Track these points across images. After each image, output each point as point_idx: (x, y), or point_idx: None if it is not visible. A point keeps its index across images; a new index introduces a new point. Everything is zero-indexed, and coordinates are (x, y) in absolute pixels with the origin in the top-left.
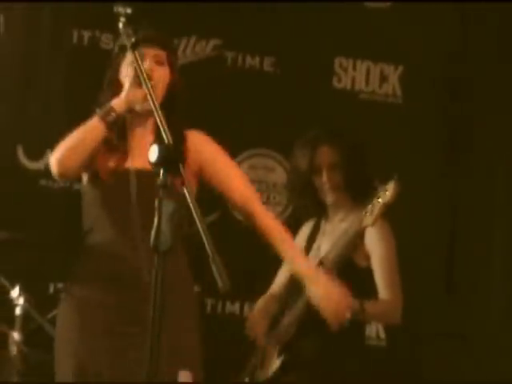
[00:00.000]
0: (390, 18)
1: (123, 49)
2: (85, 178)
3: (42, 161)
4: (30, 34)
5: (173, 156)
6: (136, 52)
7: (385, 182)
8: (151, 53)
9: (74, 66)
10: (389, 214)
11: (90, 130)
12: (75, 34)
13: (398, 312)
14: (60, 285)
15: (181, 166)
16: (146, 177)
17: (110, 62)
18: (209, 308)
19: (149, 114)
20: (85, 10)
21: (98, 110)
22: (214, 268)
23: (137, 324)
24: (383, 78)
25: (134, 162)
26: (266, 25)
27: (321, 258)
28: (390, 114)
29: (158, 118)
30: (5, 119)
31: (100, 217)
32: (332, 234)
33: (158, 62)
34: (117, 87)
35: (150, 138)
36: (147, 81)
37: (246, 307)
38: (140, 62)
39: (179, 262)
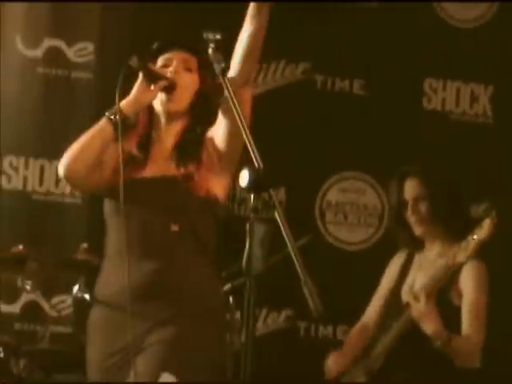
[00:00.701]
0: (480, 37)
1: (151, 60)
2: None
3: None
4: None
5: (263, 181)
6: (226, 78)
7: (476, 203)
8: (179, 57)
9: None
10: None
11: (98, 132)
12: None
13: (476, 355)
14: None
15: (271, 190)
16: (163, 184)
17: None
18: (302, 332)
19: (174, 117)
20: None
21: (106, 113)
22: (306, 291)
23: (157, 334)
24: (474, 99)
25: (153, 170)
26: (356, 47)
27: (415, 291)
28: (480, 134)
29: (247, 142)
30: None
31: (118, 229)
32: (428, 269)
33: (187, 68)
34: None
35: (172, 141)
36: (237, 105)
37: (339, 330)
38: (229, 87)
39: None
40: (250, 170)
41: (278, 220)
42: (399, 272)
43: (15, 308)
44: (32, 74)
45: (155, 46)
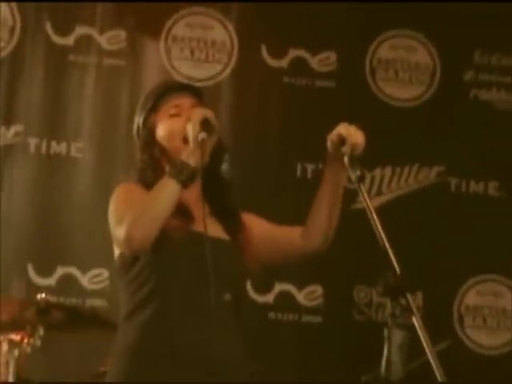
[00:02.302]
0: None
1: (154, 109)
2: None
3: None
4: (258, 169)
5: (400, 286)
6: (362, 185)
7: None
8: (187, 102)
9: (298, 199)
10: None
11: (168, 194)
12: (299, 167)
13: None
14: None
15: (409, 295)
16: (220, 246)
17: (143, 123)
18: None
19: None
20: (308, 143)
21: (168, 169)
22: None
23: None
24: None
25: (200, 226)
26: (489, 149)
27: None
28: None
29: (386, 247)
30: None
31: (165, 282)
32: None
33: None
34: (153, 149)
35: (202, 204)
36: (374, 215)
37: None
38: (366, 196)
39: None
40: (386, 275)
41: (416, 325)
42: None
43: None
44: (277, 83)
45: (163, 88)
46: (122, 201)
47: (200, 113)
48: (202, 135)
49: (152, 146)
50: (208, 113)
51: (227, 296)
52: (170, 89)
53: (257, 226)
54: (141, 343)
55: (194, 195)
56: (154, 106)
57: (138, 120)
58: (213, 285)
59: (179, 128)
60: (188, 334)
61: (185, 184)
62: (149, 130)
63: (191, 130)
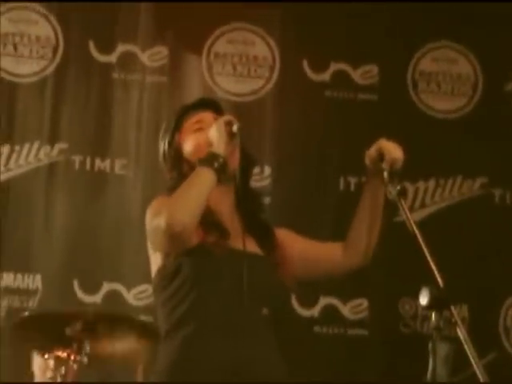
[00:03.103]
0: None
1: (177, 129)
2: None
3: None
4: (301, 182)
5: (445, 298)
6: (402, 199)
7: None
8: (208, 116)
9: (341, 212)
10: None
11: (203, 179)
12: (342, 181)
13: None
14: None
15: (453, 308)
16: (258, 262)
17: (169, 143)
18: None
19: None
20: (351, 157)
21: (198, 163)
22: None
23: None
24: None
25: (239, 243)
26: None
27: None
28: None
29: (429, 260)
30: None
31: (204, 298)
32: None
33: None
34: (182, 166)
35: (236, 218)
36: (414, 226)
37: None
38: (406, 209)
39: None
40: (430, 288)
41: (461, 337)
42: None
43: None
44: (319, 97)
45: (183, 107)
46: (156, 206)
47: (224, 117)
48: (237, 126)
49: (180, 163)
50: (231, 117)
51: (265, 311)
52: (189, 107)
53: (297, 243)
54: (181, 362)
55: (227, 211)
56: (177, 125)
57: (164, 144)
58: (249, 301)
59: (204, 140)
60: (227, 351)
61: (217, 172)
62: (175, 149)
63: (216, 129)
